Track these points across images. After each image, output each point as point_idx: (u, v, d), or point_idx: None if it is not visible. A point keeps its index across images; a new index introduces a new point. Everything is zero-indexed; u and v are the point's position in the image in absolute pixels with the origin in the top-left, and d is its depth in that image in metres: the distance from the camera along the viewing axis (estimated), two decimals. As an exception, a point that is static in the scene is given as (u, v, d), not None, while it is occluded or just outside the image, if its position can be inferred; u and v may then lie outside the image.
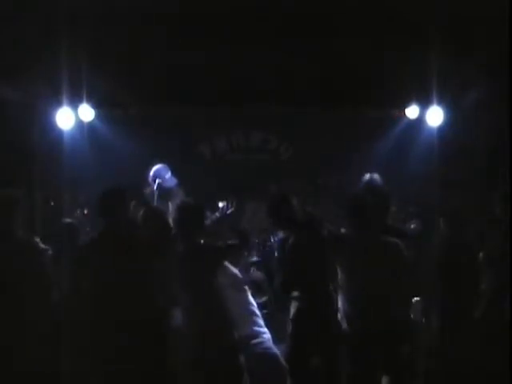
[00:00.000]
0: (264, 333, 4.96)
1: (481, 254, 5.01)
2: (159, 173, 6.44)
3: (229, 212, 4.66)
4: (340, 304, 4.44)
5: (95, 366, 4.14)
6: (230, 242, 4.50)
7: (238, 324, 4.56)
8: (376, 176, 5.56)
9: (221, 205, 4.68)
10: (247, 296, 5.05)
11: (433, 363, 4.83)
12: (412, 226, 5.99)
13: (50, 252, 4.57)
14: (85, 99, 7.51)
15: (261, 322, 5.03)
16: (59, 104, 7.46)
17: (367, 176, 5.40)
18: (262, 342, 4.85)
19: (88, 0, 5.91)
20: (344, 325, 4.37)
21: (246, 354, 4.47)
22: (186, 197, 6.57)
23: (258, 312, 5.06)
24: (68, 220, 5.69)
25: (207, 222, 4.76)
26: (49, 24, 6.00)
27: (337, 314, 4.43)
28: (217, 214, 4.77)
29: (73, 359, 4.29)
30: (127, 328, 4.07)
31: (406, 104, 7.86)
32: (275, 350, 4.89)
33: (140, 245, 4.27)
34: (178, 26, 6.28)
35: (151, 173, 6.44)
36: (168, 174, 6.44)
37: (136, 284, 4.16)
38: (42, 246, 4.49)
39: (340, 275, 4.39)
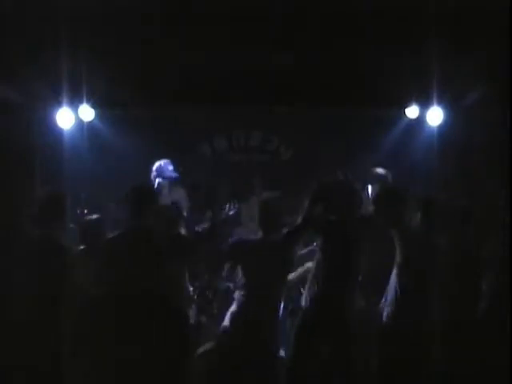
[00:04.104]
0: None
1: (482, 254, 5.02)
2: (160, 166, 6.56)
3: (232, 213, 4.67)
4: None
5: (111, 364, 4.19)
6: None
7: None
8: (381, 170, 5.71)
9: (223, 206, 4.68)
10: None
11: (433, 363, 4.84)
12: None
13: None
14: (85, 99, 7.51)
15: None
16: (59, 104, 7.47)
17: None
18: None
19: (88, 0, 5.90)
20: None
21: None
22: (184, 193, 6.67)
23: None
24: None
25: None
26: (49, 24, 5.99)
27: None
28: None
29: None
30: (144, 326, 4.12)
31: (405, 104, 7.86)
32: None
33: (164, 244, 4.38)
34: (178, 26, 6.27)
35: (154, 167, 6.56)
36: (170, 168, 6.55)
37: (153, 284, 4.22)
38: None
39: None
